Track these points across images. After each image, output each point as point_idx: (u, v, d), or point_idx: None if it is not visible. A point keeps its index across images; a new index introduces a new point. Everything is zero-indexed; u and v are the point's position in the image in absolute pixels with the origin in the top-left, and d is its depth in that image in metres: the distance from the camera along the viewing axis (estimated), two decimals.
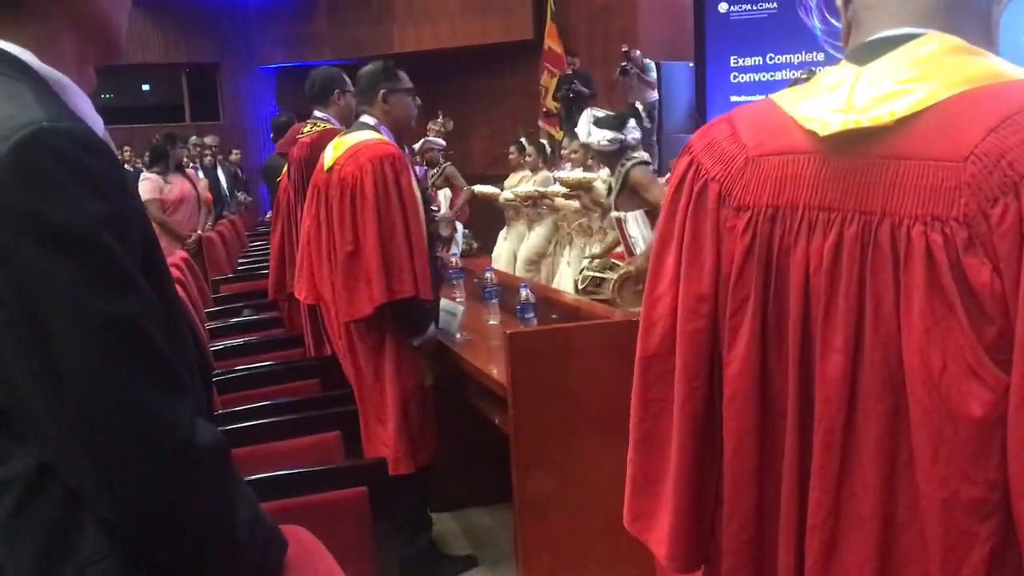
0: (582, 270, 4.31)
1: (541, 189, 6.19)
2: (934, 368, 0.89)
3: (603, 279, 3.94)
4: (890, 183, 0.93)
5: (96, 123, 0.96)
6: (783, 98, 1.07)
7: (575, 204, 5.61)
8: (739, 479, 1.06)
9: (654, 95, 9.85)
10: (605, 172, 4.89)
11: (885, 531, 0.95)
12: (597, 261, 4.29)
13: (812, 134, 0.99)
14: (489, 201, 7.09)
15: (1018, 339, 0.85)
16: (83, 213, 0.84)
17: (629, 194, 4.10)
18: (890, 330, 0.92)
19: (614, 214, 4.18)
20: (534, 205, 6.34)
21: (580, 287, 4.08)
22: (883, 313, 0.93)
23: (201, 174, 8.70)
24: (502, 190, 6.87)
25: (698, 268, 1.07)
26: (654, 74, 9.96)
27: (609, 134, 4.21)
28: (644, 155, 5.14)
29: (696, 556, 1.13)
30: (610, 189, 4.31)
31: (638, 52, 9.92)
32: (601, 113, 4.42)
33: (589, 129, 4.29)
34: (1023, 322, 0.84)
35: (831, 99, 0.99)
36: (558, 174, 5.97)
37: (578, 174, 5.54)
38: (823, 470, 0.98)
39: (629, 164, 4.13)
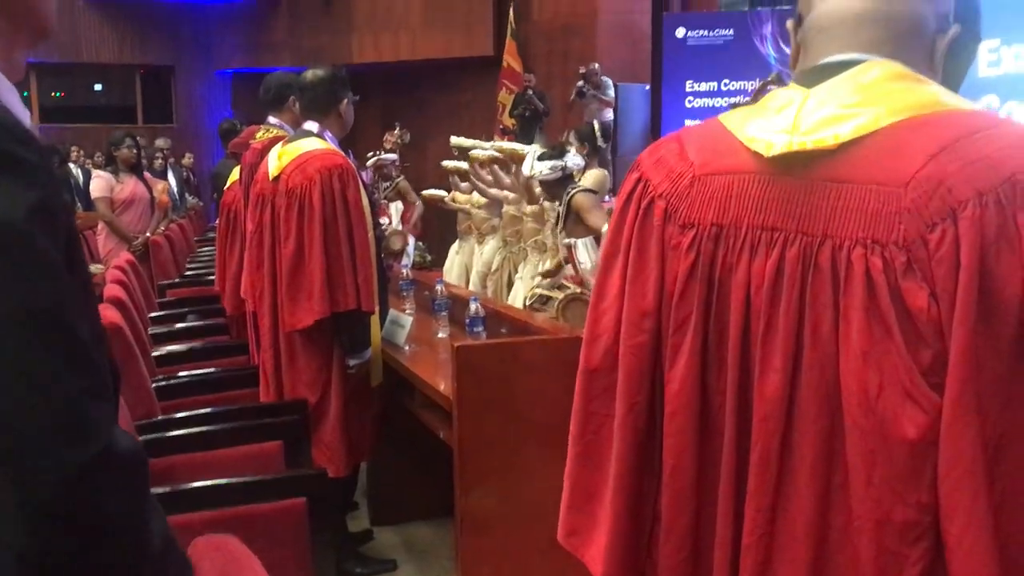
0: (532, 287, 4.34)
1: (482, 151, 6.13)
2: (870, 390, 0.90)
3: (550, 298, 3.97)
4: (832, 206, 0.95)
5: (23, 115, 0.94)
6: (731, 118, 1.08)
7: (511, 198, 5.61)
8: (678, 496, 1.06)
9: (610, 114, 9.92)
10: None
11: (819, 551, 0.95)
12: (546, 280, 4.33)
13: (758, 155, 1.00)
14: (435, 205, 7.09)
15: (952, 363, 0.86)
16: (13, 203, 0.82)
17: (575, 220, 4.16)
18: (828, 351, 0.93)
19: (564, 240, 4.23)
20: (486, 207, 6.30)
21: (528, 303, 4.11)
22: (822, 334, 0.94)
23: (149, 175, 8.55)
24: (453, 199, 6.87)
25: (642, 284, 1.08)
26: (611, 92, 10.01)
27: (550, 163, 4.32)
28: (601, 171, 5.19)
29: (632, 573, 1.13)
30: (559, 217, 4.37)
31: (596, 65, 9.95)
32: (542, 150, 4.57)
33: (532, 163, 4.41)
34: (957, 347, 0.86)
35: (778, 120, 1.00)
36: (495, 143, 5.94)
37: (514, 144, 5.58)
38: (759, 489, 0.99)
39: (573, 191, 4.23)
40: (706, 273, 1.03)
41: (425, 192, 7.07)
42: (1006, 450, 0.86)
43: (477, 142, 6.35)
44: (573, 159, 4.42)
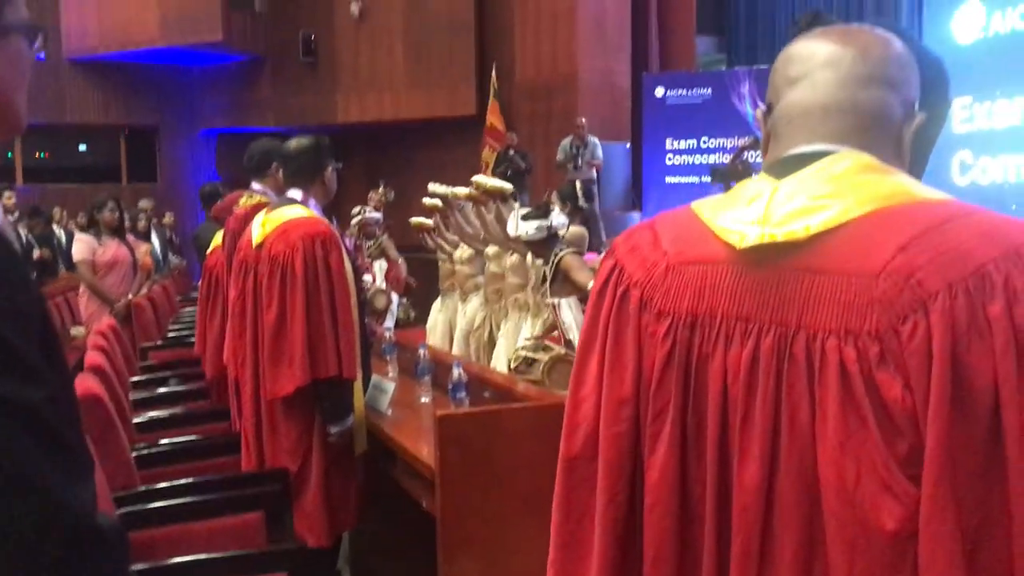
0: (517, 349, 4.33)
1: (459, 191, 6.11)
2: (848, 481, 0.90)
3: (534, 360, 3.96)
4: (805, 296, 0.96)
5: None
6: (703, 207, 1.09)
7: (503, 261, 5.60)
8: None
9: (592, 173, 10.04)
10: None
11: None
12: (531, 341, 4.33)
13: (730, 245, 1.01)
14: (422, 231, 7.05)
15: (928, 456, 0.86)
16: None
17: (563, 281, 4.17)
18: (805, 442, 0.93)
19: (549, 300, 4.24)
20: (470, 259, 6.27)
21: (512, 366, 4.10)
22: (799, 424, 0.94)
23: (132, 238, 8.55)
24: (441, 254, 6.85)
25: (620, 372, 1.08)
26: (599, 152, 10.16)
27: (535, 223, 4.34)
28: (580, 229, 5.23)
29: None
30: (544, 277, 4.38)
31: (583, 119, 10.10)
32: (526, 210, 4.59)
33: (517, 224, 4.43)
34: (932, 440, 0.86)
35: (749, 211, 1.01)
36: (477, 178, 5.90)
37: (497, 181, 5.56)
38: None
39: (562, 252, 4.24)
40: (683, 362, 1.03)
41: (413, 220, 7.01)
42: (985, 542, 0.86)
43: (456, 188, 6.36)
44: (558, 218, 4.43)
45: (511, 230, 4.61)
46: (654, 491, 1.04)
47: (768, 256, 0.99)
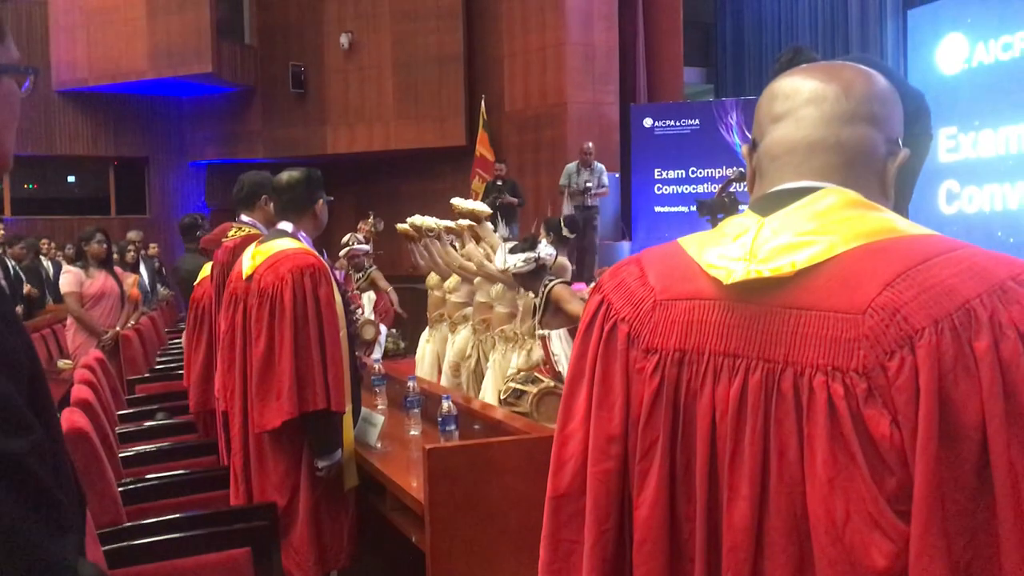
0: (507, 381, 4.32)
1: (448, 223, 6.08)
2: (837, 518, 0.89)
3: (523, 391, 3.95)
4: (792, 332, 0.96)
5: None
6: (690, 243, 1.09)
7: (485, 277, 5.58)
8: None
9: (597, 201, 9.92)
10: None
11: None
12: (521, 373, 4.32)
13: (717, 281, 1.01)
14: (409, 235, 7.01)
15: (917, 493, 0.86)
16: None
17: (553, 312, 4.18)
18: (795, 478, 0.93)
19: (539, 332, 4.25)
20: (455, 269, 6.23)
21: (502, 398, 4.09)
22: (787, 461, 0.94)
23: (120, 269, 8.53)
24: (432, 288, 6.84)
25: (608, 408, 1.07)
26: (606, 180, 9.99)
27: (523, 255, 4.36)
28: (563, 259, 5.23)
29: None
30: (535, 309, 4.38)
31: (590, 144, 9.92)
32: (512, 243, 4.60)
33: (505, 258, 4.45)
34: (921, 474, 0.85)
35: (735, 248, 1.02)
36: (454, 200, 5.87)
37: (472, 203, 5.54)
38: None
39: (551, 283, 4.25)
40: (671, 398, 1.03)
41: (400, 226, 6.95)
42: None
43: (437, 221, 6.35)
44: (545, 249, 4.45)
45: (499, 263, 4.63)
46: (643, 528, 1.04)
47: (755, 292, 0.99)
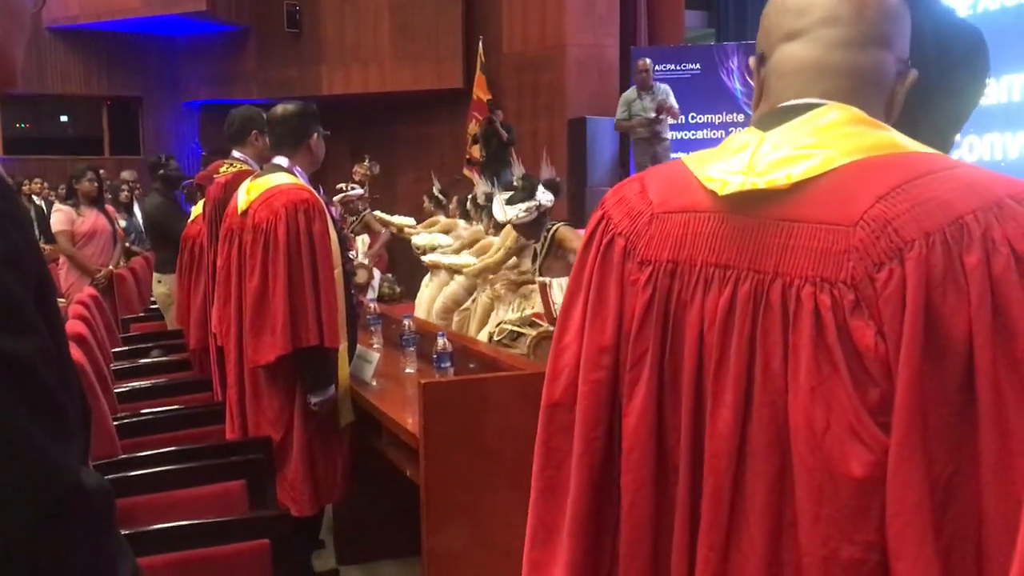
0: (501, 322, 4.29)
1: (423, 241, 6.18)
2: (817, 427, 0.90)
3: (520, 334, 3.93)
4: (783, 244, 0.95)
5: None
6: (692, 159, 1.09)
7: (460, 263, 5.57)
8: (635, 532, 1.06)
9: (667, 126, 8.49)
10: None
11: None
12: (517, 315, 4.29)
13: (714, 193, 1.01)
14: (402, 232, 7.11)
15: (898, 403, 0.86)
16: None
17: (555, 257, 4.13)
18: (778, 388, 0.94)
19: (538, 279, 4.20)
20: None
21: (496, 339, 4.06)
22: (772, 371, 0.94)
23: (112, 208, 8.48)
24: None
25: (602, 320, 1.08)
26: (673, 100, 8.50)
27: (523, 205, 4.26)
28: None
29: None
30: (535, 255, 4.32)
31: (648, 60, 8.56)
32: (508, 194, 4.48)
33: (504, 210, 4.34)
34: (902, 387, 0.85)
35: (734, 161, 1.01)
36: (414, 239, 5.96)
37: (427, 237, 5.57)
38: (711, 528, 0.98)
39: (555, 225, 4.17)
40: (662, 309, 1.04)
41: (394, 219, 7.03)
42: (956, 492, 0.85)
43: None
44: (544, 195, 4.36)
45: (498, 216, 4.52)
46: (631, 437, 1.05)
47: (750, 205, 0.99)
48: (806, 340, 0.91)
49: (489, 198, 4.83)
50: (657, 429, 1.04)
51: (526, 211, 4.25)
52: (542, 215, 4.31)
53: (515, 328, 3.96)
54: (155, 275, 5.47)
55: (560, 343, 1.14)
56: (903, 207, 0.89)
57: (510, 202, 4.34)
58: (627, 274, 1.07)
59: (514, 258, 5.19)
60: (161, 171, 5.55)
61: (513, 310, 4.68)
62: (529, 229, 4.38)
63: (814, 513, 0.90)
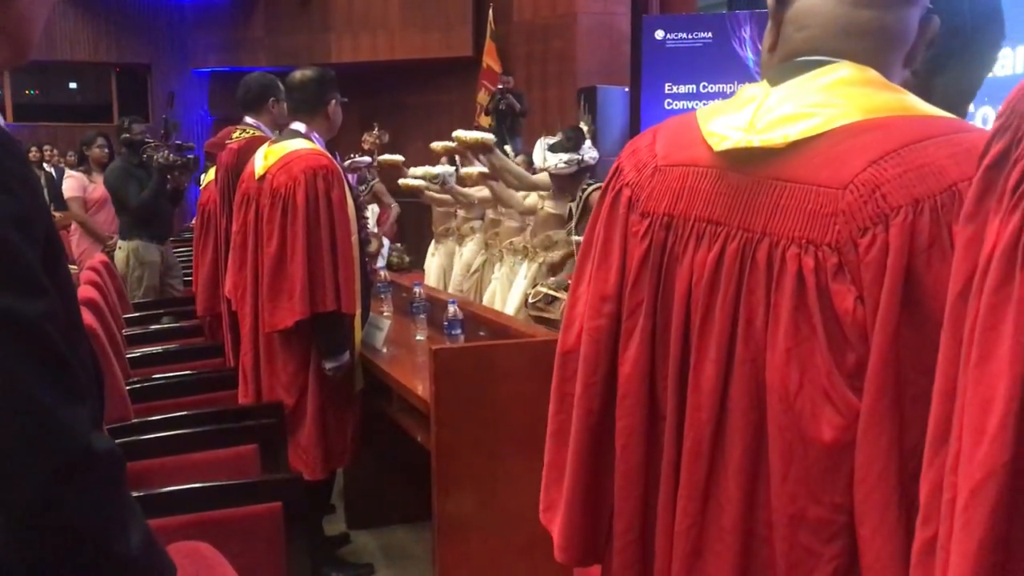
0: (537, 285, 4.17)
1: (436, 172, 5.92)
2: (790, 387, 0.90)
3: (556, 298, 3.85)
4: (773, 204, 0.95)
5: None
6: (705, 111, 1.09)
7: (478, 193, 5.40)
8: (626, 478, 1.08)
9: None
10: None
11: (745, 545, 0.96)
12: (553, 279, 4.17)
13: (713, 149, 1.01)
14: (395, 170, 6.94)
15: (871, 368, 0.86)
16: None
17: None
18: (759, 346, 0.94)
19: (574, 238, 4.12)
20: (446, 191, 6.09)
21: (531, 301, 3.98)
22: (754, 329, 0.95)
23: None
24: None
25: (606, 269, 1.10)
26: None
27: (565, 156, 4.10)
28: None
29: (585, 550, 1.15)
30: (570, 214, 4.22)
31: None
32: (554, 139, 4.30)
33: (544, 155, 4.18)
34: (876, 353, 0.85)
35: (739, 116, 1.00)
36: (457, 132, 5.69)
37: (477, 132, 5.29)
38: (690, 479, 1.00)
39: (590, 188, 4.04)
40: (657, 261, 1.05)
41: (402, 180, 6.89)
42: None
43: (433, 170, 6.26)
44: (589, 152, 4.16)
45: (538, 161, 4.33)
46: (625, 384, 1.07)
47: (747, 162, 0.98)
48: (787, 300, 0.91)
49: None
50: (649, 378, 1.06)
51: (566, 163, 4.08)
52: (582, 171, 4.15)
53: (551, 292, 3.85)
54: (118, 242, 5.50)
55: (575, 292, 1.16)
56: (894, 172, 0.88)
57: (553, 149, 4.16)
58: (630, 225, 1.09)
59: (516, 223, 5.08)
60: (125, 135, 5.53)
61: (525, 271, 4.56)
62: (565, 182, 4.20)
63: (783, 472, 0.91)
